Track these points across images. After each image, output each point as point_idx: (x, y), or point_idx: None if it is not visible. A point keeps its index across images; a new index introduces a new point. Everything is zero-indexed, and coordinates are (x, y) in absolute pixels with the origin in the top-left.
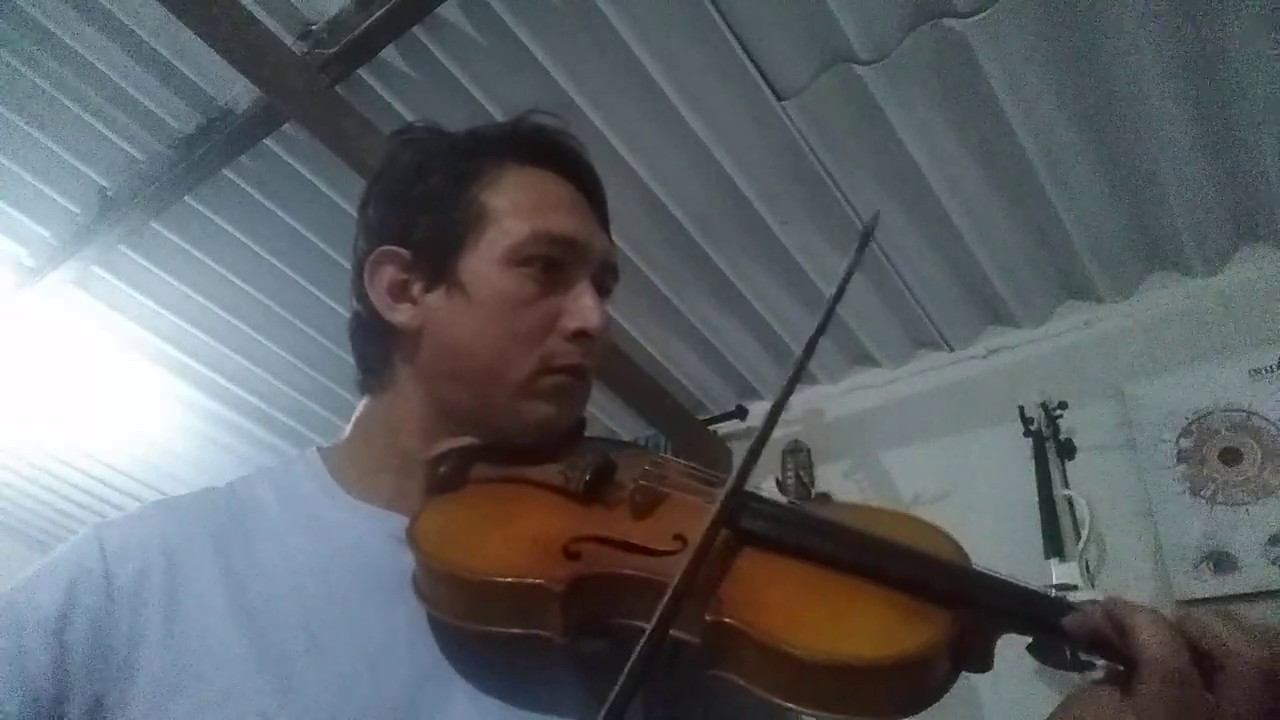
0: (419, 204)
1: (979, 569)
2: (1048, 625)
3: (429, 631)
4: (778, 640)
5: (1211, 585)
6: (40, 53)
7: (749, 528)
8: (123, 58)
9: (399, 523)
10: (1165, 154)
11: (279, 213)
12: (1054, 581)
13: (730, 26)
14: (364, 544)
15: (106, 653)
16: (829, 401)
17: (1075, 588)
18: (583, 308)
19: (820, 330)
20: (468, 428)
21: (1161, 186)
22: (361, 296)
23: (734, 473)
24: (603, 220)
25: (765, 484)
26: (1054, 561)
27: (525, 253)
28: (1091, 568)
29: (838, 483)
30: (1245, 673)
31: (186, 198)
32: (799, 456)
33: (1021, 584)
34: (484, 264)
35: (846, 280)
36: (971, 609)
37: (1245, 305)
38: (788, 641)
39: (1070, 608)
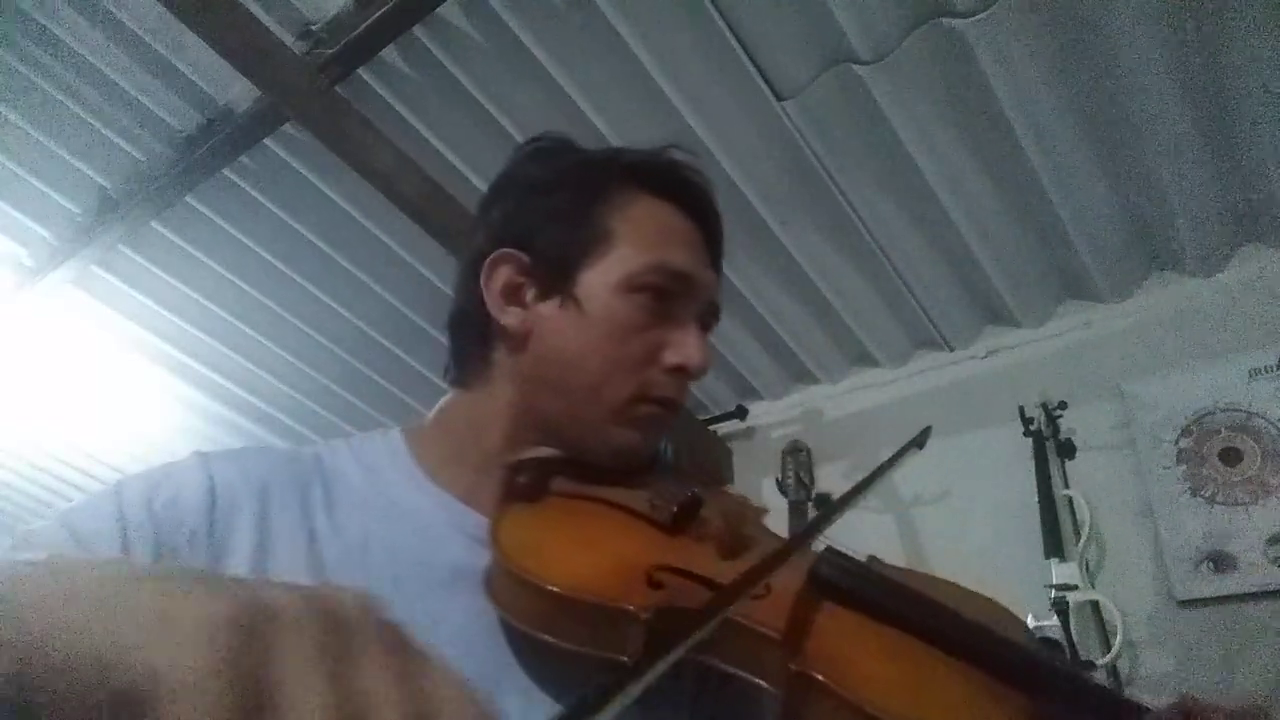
0: (546, 214)
1: (1059, 660)
2: None
3: (490, 632)
4: (862, 700)
5: (1211, 585)
6: (40, 53)
7: (835, 582)
8: (123, 58)
9: (473, 518)
10: (1165, 154)
11: (279, 213)
12: (1054, 581)
13: (730, 26)
14: (434, 530)
15: (199, 551)
16: (829, 401)
17: (1075, 588)
18: (688, 344)
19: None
20: (552, 439)
21: (1161, 186)
22: (472, 292)
23: (815, 518)
24: (716, 262)
25: (765, 484)
26: (1054, 561)
27: (642, 281)
28: (1091, 568)
29: (838, 483)
30: None
31: (186, 198)
32: (799, 456)
33: (1095, 681)
34: (601, 284)
35: (888, 467)
36: (1050, 700)
37: (1245, 305)
38: (872, 703)
39: (1140, 710)
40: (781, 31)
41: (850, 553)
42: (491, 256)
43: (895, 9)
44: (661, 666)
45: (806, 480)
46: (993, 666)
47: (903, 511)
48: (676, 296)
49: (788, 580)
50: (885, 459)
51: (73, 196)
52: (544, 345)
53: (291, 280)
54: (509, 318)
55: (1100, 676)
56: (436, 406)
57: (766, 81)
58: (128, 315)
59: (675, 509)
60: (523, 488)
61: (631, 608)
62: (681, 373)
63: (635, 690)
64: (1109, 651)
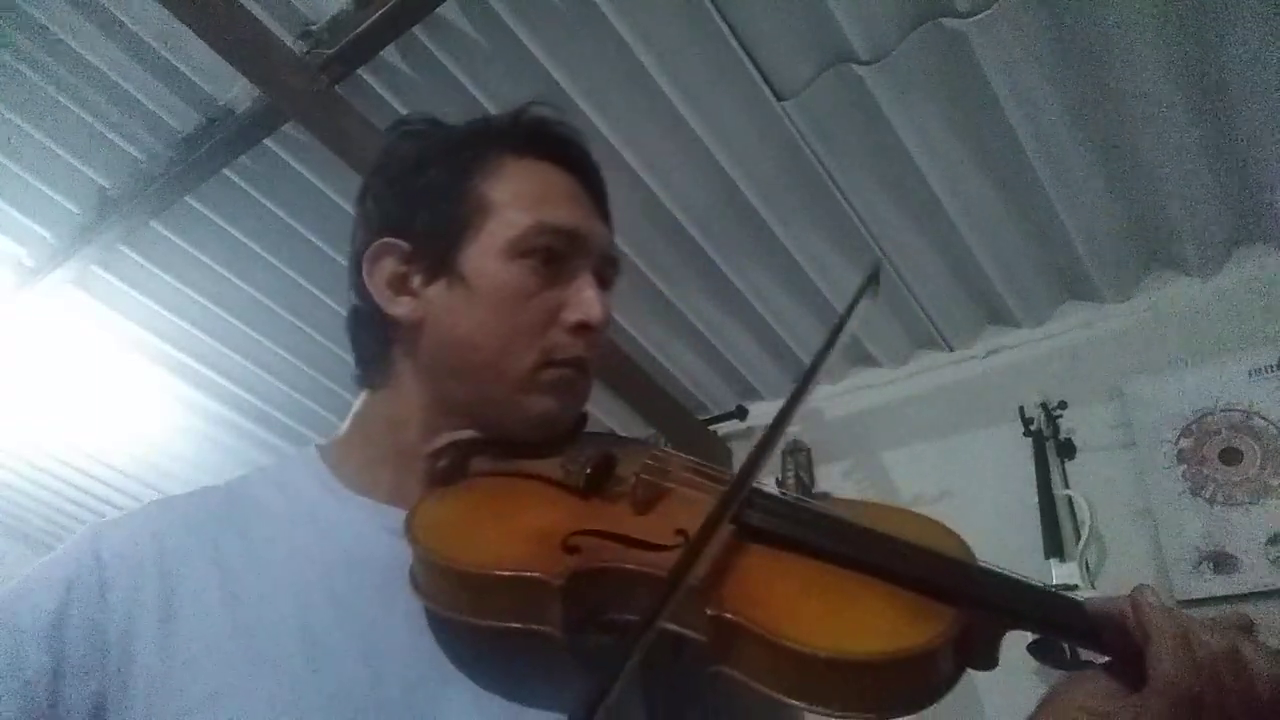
0: (418, 196)
1: (984, 566)
2: (1050, 623)
3: (428, 628)
4: (780, 635)
5: (1211, 585)
6: (40, 53)
7: (753, 523)
8: (123, 58)
9: (398, 516)
10: (1165, 154)
11: (279, 213)
12: (1054, 581)
13: (730, 26)
14: (363, 538)
15: (103, 652)
16: (829, 401)
17: (1075, 587)
18: (584, 300)
19: (825, 351)
20: (469, 422)
21: (1161, 186)
22: (360, 290)
23: (740, 468)
24: (603, 212)
25: (765, 484)
26: (1054, 561)
27: (526, 244)
28: (1091, 568)
29: (838, 483)
30: (1261, 689)
31: (186, 198)
32: (799, 456)
33: (1026, 581)
34: (485, 256)
35: (846, 318)
36: (976, 606)
37: (1245, 305)
38: (790, 637)
39: (1075, 605)
40: (781, 31)
41: (773, 491)
42: (371, 250)
43: (895, 9)
44: (637, 654)
45: (806, 480)
46: (915, 583)
47: None
48: (566, 254)
49: (705, 527)
50: (843, 314)
51: (73, 196)
52: (439, 330)
53: (292, 280)
54: (399, 308)
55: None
56: (350, 413)
57: (766, 81)
58: (128, 315)
59: (588, 471)
60: (442, 473)
61: (543, 575)
62: (584, 330)
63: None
64: None
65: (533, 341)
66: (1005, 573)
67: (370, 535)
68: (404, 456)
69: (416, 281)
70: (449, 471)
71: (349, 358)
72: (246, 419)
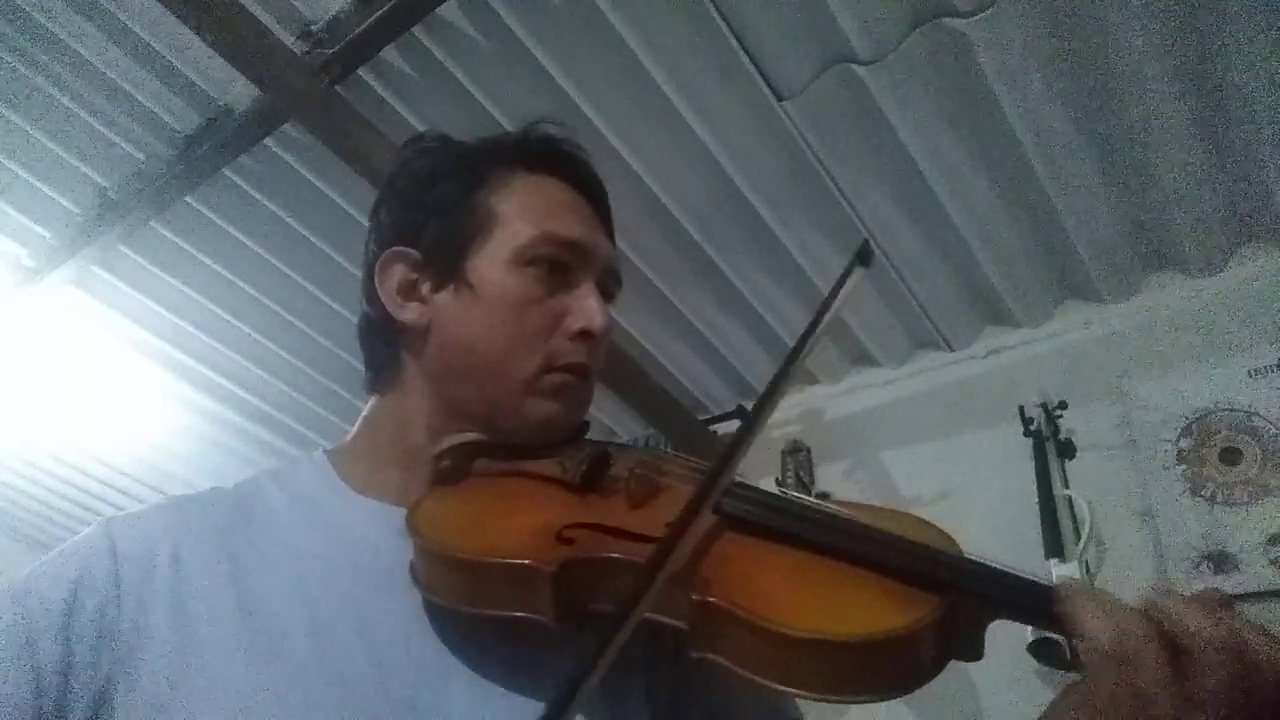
0: (430, 208)
1: (968, 555)
2: (1034, 610)
3: (430, 622)
4: (762, 618)
5: (1211, 585)
6: (40, 53)
7: (736, 512)
8: (123, 58)
9: (404, 517)
10: (1165, 154)
11: (279, 213)
12: (1054, 582)
13: (730, 26)
14: (369, 539)
15: (113, 641)
16: (829, 401)
17: None
18: (586, 308)
19: (807, 336)
20: (474, 425)
21: (1161, 186)
22: (371, 297)
23: (721, 452)
24: (607, 227)
25: (765, 484)
26: (1054, 561)
27: (531, 254)
28: (1091, 568)
29: (838, 483)
30: (1210, 654)
31: (186, 198)
32: (799, 456)
33: (1011, 570)
34: (491, 265)
35: (834, 296)
36: (958, 593)
37: (1245, 305)
38: (773, 620)
39: (1051, 590)
40: (781, 31)
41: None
42: (382, 258)
43: (895, 9)
44: (622, 636)
45: (806, 480)
46: (897, 571)
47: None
48: (570, 265)
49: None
50: (833, 289)
51: (73, 196)
52: (445, 334)
53: (291, 280)
54: (408, 314)
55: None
56: (359, 418)
57: (766, 81)
58: (128, 315)
59: (584, 469)
60: (446, 473)
61: (536, 562)
62: (586, 337)
63: (601, 667)
64: None
65: (536, 347)
66: (989, 562)
67: (377, 536)
68: (411, 458)
69: (425, 288)
70: (453, 472)
71: (349, 358)
72: (246, 419)
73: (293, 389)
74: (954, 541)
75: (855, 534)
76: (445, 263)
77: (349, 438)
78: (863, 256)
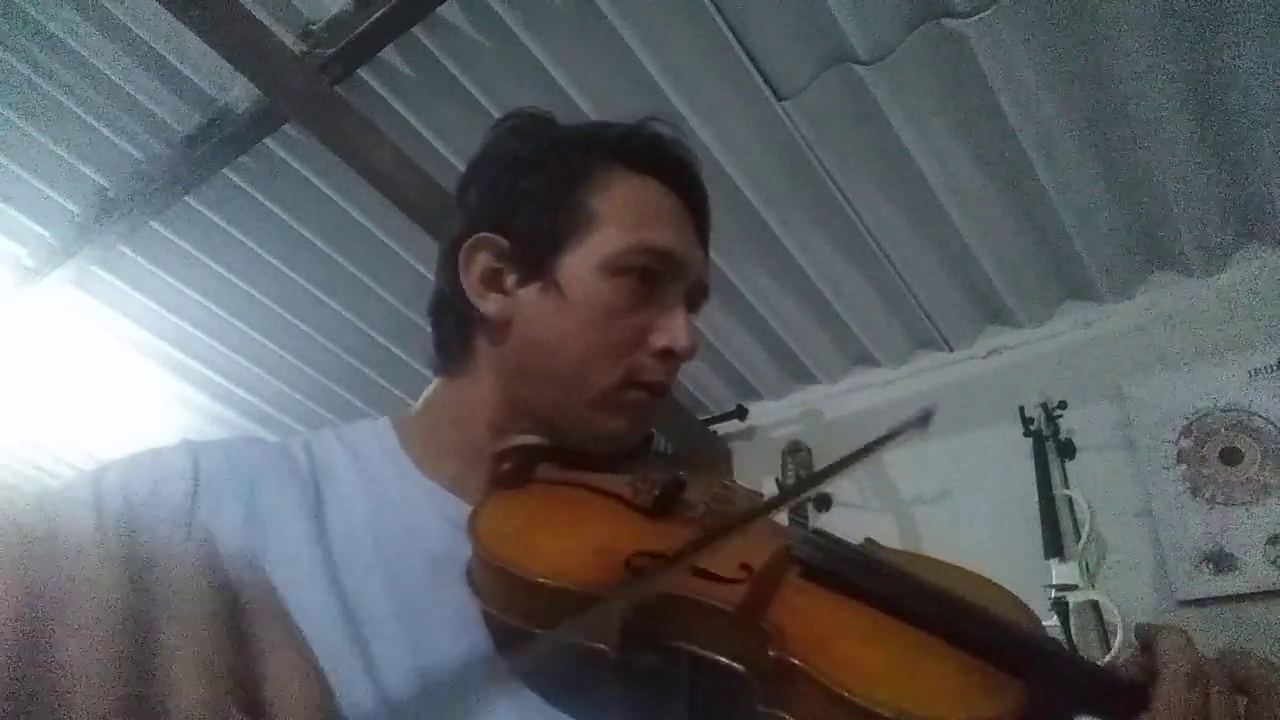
0: (524, 197)
1: (1057, 643)
2: (1125, 709)
3: (478, 623)
4: (842, 686)
5: (1211, 585)
6: (40, 53)
7: (819, 564)
8: (123, 58)
9: (461, 507)
10: (1165, 154)
11: (279, 213)
12: (1054, 581)
13: (730, 26)
14: (425, 523)
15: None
16: (829, 401)
17: (1075, 588)
18: (674, 327)
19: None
20: (537, 427)
21: (1161, 186)
22: (451, 279)
23: (793, 497)
24: (703, 238)
25: (765, 484)
26: (1054, 561)
27: (625, 262)
28: (1091, 568)
29: (838, 483)
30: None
31: (186, 198)
32: (799, 456)
33: (1100, 665)
34: (582, 268)
35: (881, 444)
36: (1047, 684)
37: (1245, 305)
38: (852, 689)
39: (1148, 690)
40: (781, 31)
41: (844, 537)
42: (469, 241)
43: (895, 9)
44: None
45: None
46: (985, 650)
47: (903, 511)
48: (662, 277)
49: (771, 564)
50: (884, 436)
51: (73, 196)
52: (526, 333)
53: (291, 280)
54: (489, 305)
55: None
56: (423, 396)
57: (766, 81)
58: (128, 315)
59: (657, 493)
60: (506, 475)
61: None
62: (669, 356)
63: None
64: (1109, 651)
65: (617, 360)
66: (1072, 654)
67: (432, 522)
68: (470, 451)
69: (510, 281)
70: (514, 474)
71: (349, 358)
72: (246, 419)
73: (293, 389)
74: (1031, 612)
75: (944, 603)
76: (535, 258)
77: (412, 414)
78: (922, 421)
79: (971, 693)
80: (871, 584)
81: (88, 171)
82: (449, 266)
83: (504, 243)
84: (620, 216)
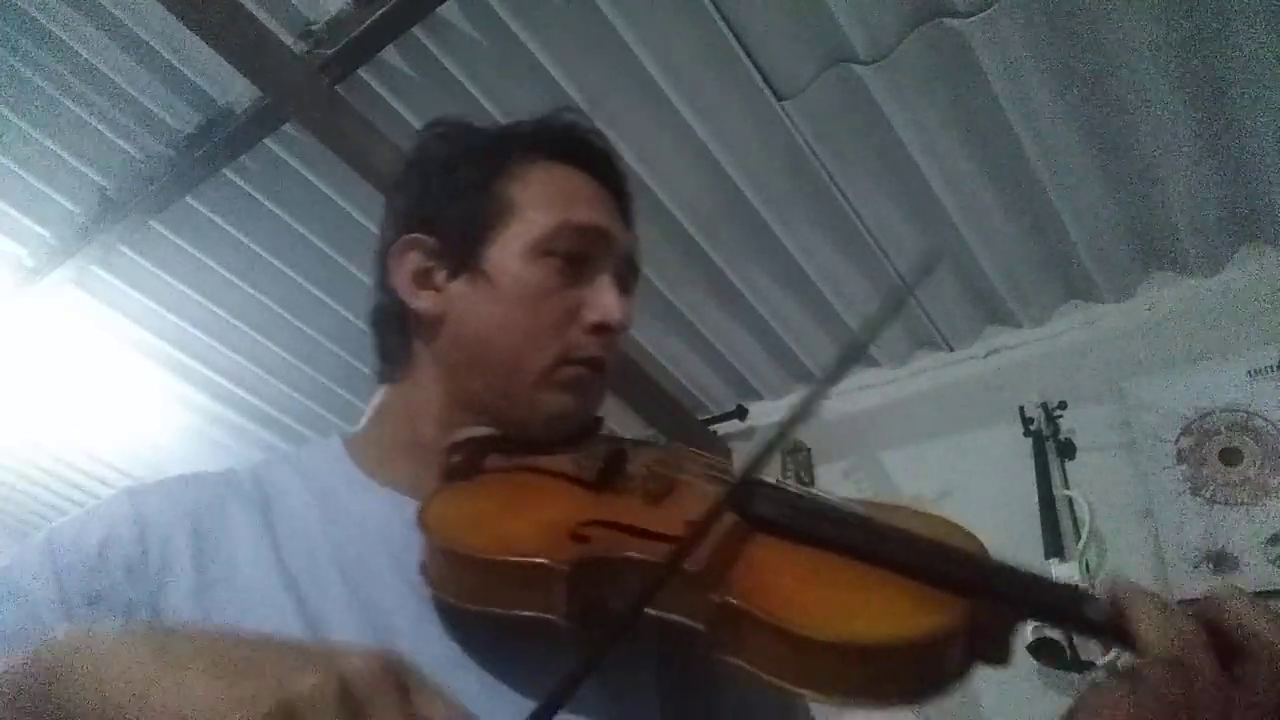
0: (447, 195)
1: (995, 559)
2: (1064, 613)
3: (439, 619)
4: (784, 621)
5: (1211, 585)
6: (40, 53)
7: (759, 513)
8: (123, 58)
9: (415, 508)
10: (1165, 154)
11: (279, 213)
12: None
13: (730, 26)
14: (383, 530)
15: (143, 581)
16: (829, 401)
17: (1075, 587)
18: (604, 301)
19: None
20: (486, 417)
21: (1161, 186)
22: (384, 284)
23: (747, 452)
24: (626, 217)
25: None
26: (1054, 561)
27: (549, 244)
28: (1091, 568)
29: (838, 483)
30: (1268, 655)
31: (186, 198)
32: (799, 456)
33: (1038, 574)
34: (508, 254)
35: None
36: (987, 597)
37: (1245, 305)
38: (794, 622)
39: (1087, 597)
40: (781, 31)
41: (779, 481)
42: (397, 244)
43: (895, 9)
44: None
45: (806, 480)
46: (925, 574)
47: None
48: (588, 255)
49: (708, 515)
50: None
51: (73, 196)
52: (460, 325)
53: (291, 280)
54: (422, 302)
55: (1100, 677)
56: (370, 406)
57: (766, 81)
58: (128, 315)
59: (600, 465)
60: (457, 467)
61: (549, 561)
62: (602, 330)
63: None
64: (1109, 652)
65: (551, 339)
66: (1014, 565)
67: (390, 528)
68: (421, 449)
69: (440, 277)
70: (464, 467)
71: (349, 358)
72: (246, 419)
73: (293, 389)
74: (979, 542)
75: (881, 536)
76: (462, 251)
77: (361, 426)
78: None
79: (911, 612)
80: (810, 526)
81: (88, 171)
82: (382, 271)
83: (431, 241)
84: (540, 202)
